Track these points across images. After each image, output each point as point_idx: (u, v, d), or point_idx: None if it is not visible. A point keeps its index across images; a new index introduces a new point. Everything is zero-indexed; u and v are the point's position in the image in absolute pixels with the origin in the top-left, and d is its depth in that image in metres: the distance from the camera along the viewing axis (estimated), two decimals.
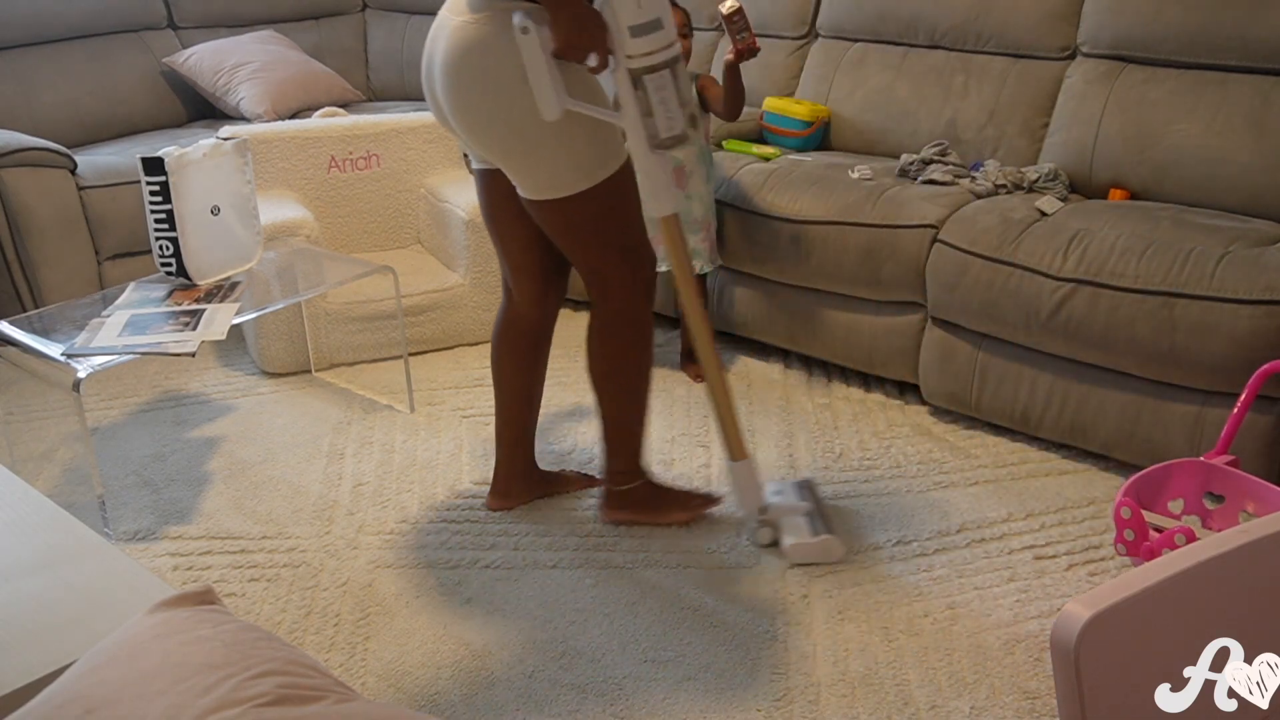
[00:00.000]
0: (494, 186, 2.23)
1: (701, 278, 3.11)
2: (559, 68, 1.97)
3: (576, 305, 3.73)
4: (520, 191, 2.13)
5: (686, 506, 2.45)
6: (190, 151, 2.68)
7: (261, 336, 3.22)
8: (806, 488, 2.51)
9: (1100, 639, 1.02)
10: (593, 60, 1.99)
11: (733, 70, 2.82)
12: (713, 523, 2.49)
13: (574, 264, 2.23)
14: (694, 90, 2.95)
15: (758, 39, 2.72)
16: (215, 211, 2.75)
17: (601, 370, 2.30)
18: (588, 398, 3.08)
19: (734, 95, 2.88)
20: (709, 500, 2.47)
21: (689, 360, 3.22)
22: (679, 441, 2.83)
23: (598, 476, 2.63)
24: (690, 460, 2.74)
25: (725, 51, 2.80)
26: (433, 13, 2.13)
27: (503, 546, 2.42)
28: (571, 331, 3.53)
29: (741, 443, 2.32)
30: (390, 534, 2.48)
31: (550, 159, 2.04)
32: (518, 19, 1.91)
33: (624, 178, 2.13)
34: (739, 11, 2.61)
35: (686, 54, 2.92)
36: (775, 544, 2.37)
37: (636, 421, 2.35)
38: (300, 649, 1.14)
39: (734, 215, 3.12)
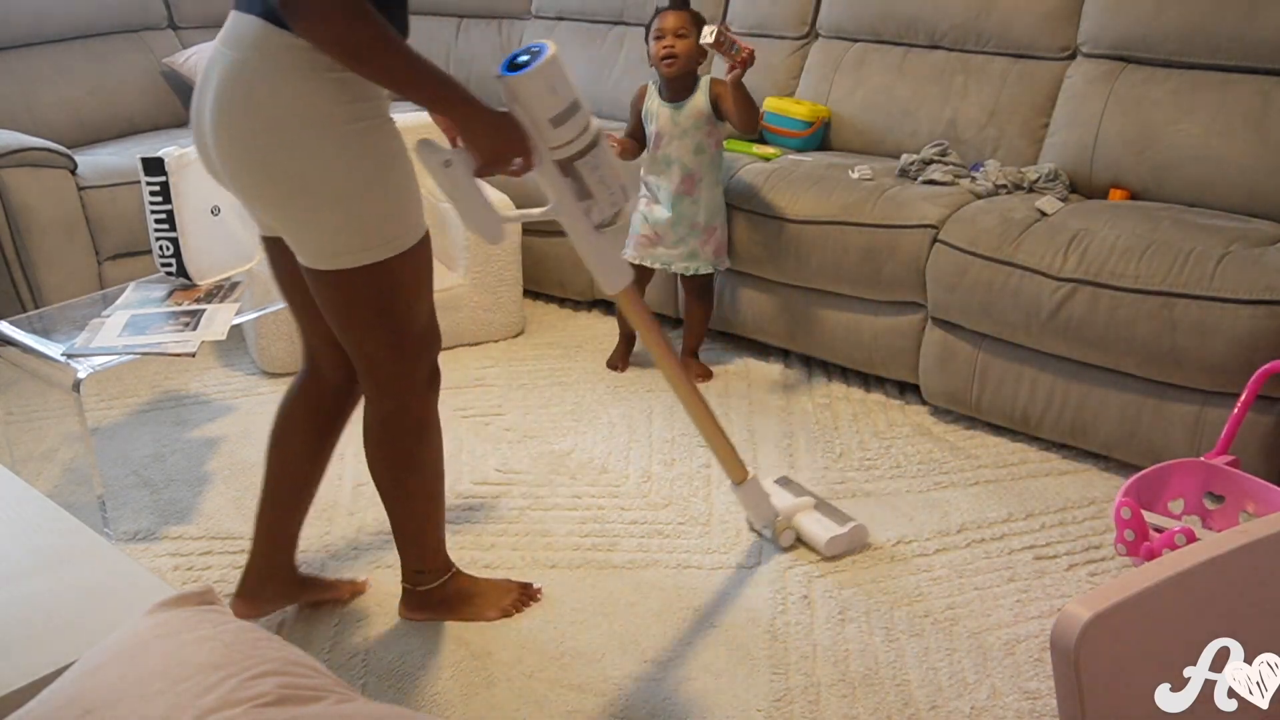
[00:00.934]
0: (283, 250, 1.88)
1: (706, 277, 3.13)
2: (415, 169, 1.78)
3: (576, 305, 3.73)
4: (298, 258, 1.82)
5: (499, 604, 2.18)
6: (190, 151, 2.68)
7: (261, 336, 3.22)
8: (788, 483, 2.52)
9: (1100, 639, 1.02)
10: (518, 165, 1.83)
11: (737, 86, 2.83)
12: (712, 523, 2.49)
13: (347, 349, 1.91)
14: (708, 98, 2.94)
15: (749, 45, 2.73)
16: (215, 212, 2.75)
17: (385, 476, 2.02)
18: (588, 397, 3.08)
19: (744, 108, 2.87)
20: (527, 594, 2.22)
21: (691, 359, 3.22)
22: (679, 442, 2.83)
23: (367, 582, 2.33)
24: (691, 460, 2.74)
25: (725, 70, 2.82)
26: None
27: (502, 546, 2.42)
28: (570, 331, 3.53)
29: (740, 464, 2.30)
30: (390, 534, 2.47)
31: (332, 224, 1.74)
32: (435, 154, 1.74)
33: (416, 256, 1.83)
34: (720, 35, 2.62)
35: (688, 54, 2.91)
36: (796, 544, 2.39)
37: (431, 519, 2.09)
38: (300, 649, 1.14)
39: (735, 215, 3.12)
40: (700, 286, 3.16)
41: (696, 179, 2.99)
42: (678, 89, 2.97)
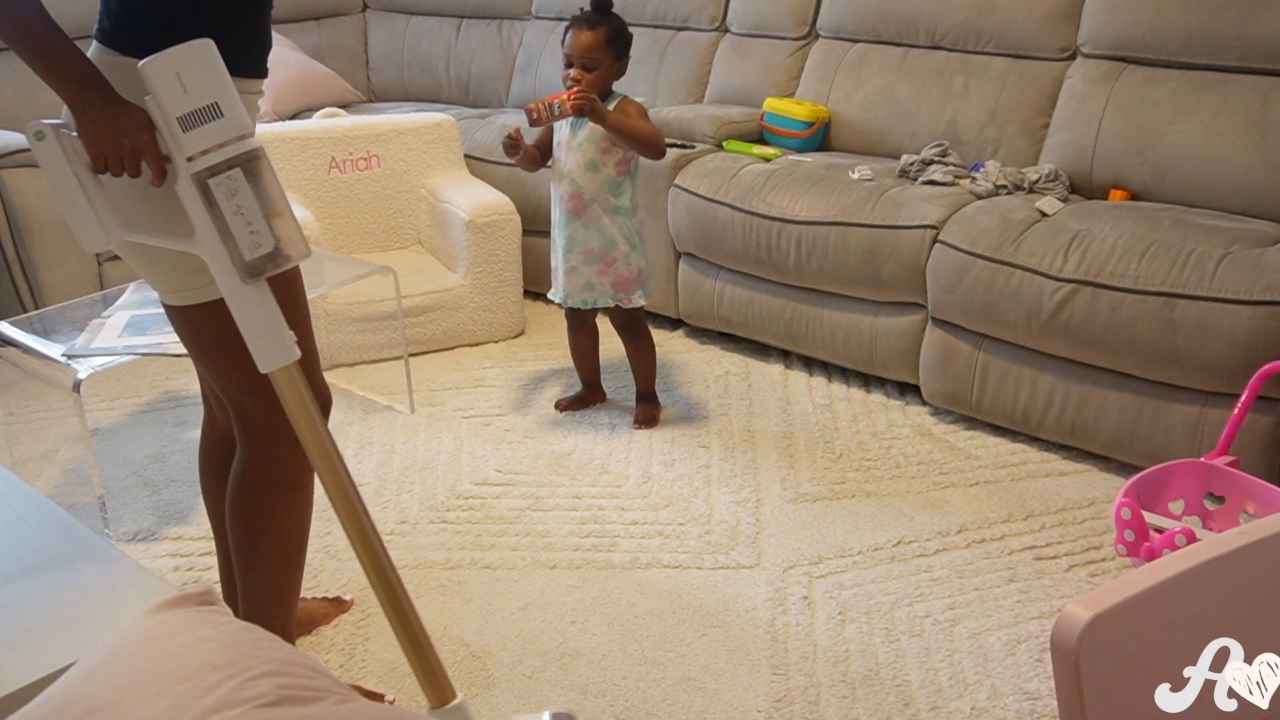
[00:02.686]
0: None
1: (628, 313, 2.88)
2: (110, 183, 1.52)
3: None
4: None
5: None
6: None
7: None
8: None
9: (1101, 640, 1.02)
10: (140, 170, 1.50)
11: (606, 127, 2.60)
12: (712, 523, 2.49)
13: (217, 391, 1.77)
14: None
15: (571, 94, 2.57)
16: None
17: (238, 532, 1.81)
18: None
19: (630, 144, 2.65)
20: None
21: (642, 401, 2.99)
22: (679, 442, 2.83)
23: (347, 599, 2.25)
24: (691, 460, 2.74)
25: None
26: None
27: (502, 547, 2.42)
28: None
29: (445, 681, 1.58)
30: (390, 535, 2.48)
31: (169, 255, 1.60)
32: (33, 123, 1.47)
33: (278, 289, 1.61)
34: (538, 108, 2.56)
35: (597, 84, 2.63)
36: None
37: (281, 598, 1.86)
38: (300, 649, 1.14)
39: (734, 215, 3.12)
40: (623, 323, 2.91)
41: (586, 199, 2.73)
42: None
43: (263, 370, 1.58)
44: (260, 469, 1.77)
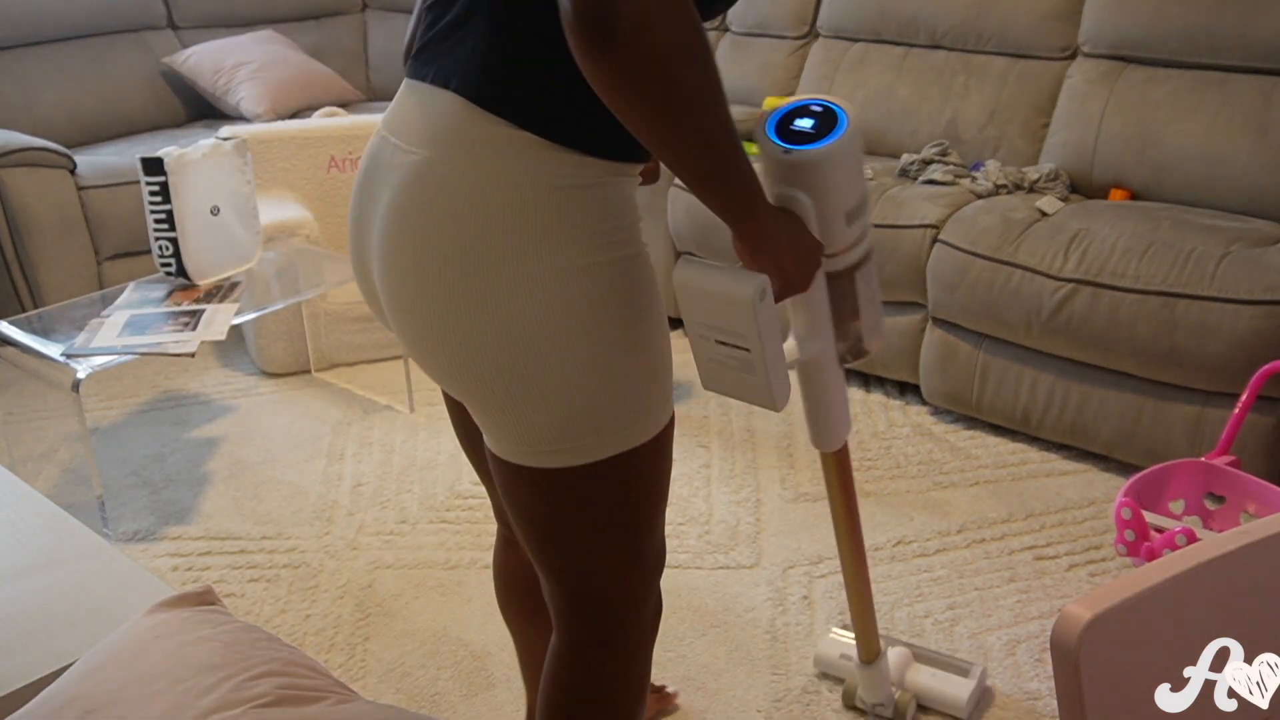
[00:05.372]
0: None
1: None
2: None
3: None
4: (487, 440, 1.23)
5: None
6: (190, 151, 2.68)
7: (261, 336, 3.22)
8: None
9: (1101, 640, 1.02)
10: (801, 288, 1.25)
11: None
12: (712, 523, 2.49)
13: (538, 566, 1.30)
14: None
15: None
16: (215, 211, 2.75)
17: None
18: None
19: None
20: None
21: None
22: (679, 441, 2.83)
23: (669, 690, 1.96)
24: (691, 460, 2.74)
25: None
26: None
27: None
28: None
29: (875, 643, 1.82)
30: (390, 534, 2.48)
31: (545, 402, 1.15)
32: (756, 284, 1.14)
33: (664, 441, 1.26)
34: None
35: None
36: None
37: None
38: (300, 650, 1.14)
39: None
40: None
41: None
42: None
43: (818, 448, 1.51)
44: (609, 671, 1.33)
